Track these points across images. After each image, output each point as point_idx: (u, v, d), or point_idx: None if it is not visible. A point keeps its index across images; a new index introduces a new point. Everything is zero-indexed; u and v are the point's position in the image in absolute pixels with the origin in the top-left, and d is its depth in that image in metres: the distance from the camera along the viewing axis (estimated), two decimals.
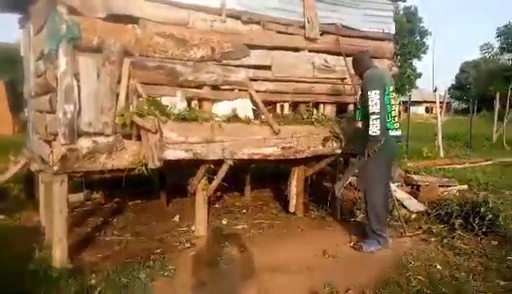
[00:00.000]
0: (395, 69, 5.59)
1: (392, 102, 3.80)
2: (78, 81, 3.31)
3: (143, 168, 3.52)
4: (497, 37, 18.73)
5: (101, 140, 3.39)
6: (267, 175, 6.68)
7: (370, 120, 3.61)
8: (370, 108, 3.61)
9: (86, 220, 4.79)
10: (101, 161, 3.42)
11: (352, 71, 4.40)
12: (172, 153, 3.46)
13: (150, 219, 4.92)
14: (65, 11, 3.25)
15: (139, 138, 3.57)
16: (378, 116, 3.59)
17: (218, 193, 5.88)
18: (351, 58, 4.36)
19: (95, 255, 3.67)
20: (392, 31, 5.49)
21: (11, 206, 5.08)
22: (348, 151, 4.63)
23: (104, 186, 5.64)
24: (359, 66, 4.04)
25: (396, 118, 3.85)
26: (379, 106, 3.60)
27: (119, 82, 3.46)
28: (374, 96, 3.61)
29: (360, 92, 4.03)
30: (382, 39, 5.38)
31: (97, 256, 3.65)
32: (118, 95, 3.46)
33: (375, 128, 3.59)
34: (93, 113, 3.37)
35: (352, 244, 3.98)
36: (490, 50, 19.44)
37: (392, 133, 3.78)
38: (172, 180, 5.51)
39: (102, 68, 3.38)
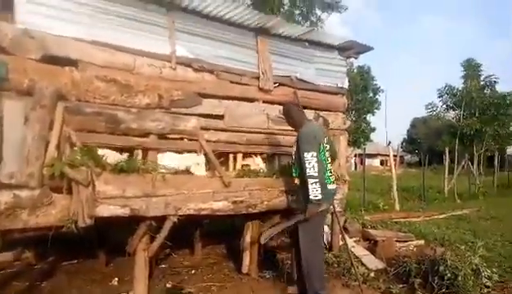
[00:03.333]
0: (348, 123, 5.60)
1: (327, 155, 3.70)
2: (1, 126, 2.93)
3: (73, 226, 3.10)
4: (439, 97, 20.27)
5: (24, 193, 2.95)
6: (221, 230, 6.28)
7: (309, 184, 3.40)
8: (308, 171, 3.38)
9: (8, 284, 4.16)
10: (22, 218, 2.96)
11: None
12: (106, 210, 3.07)
13: (86, 282, 4.34)
14: None
15: (71, 191, 3.16)
16: (317, 180, 3.39)
17: (167, 251, 5.41)
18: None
19: None
20: (345, 85, 5.55)
21: None
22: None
23: (38, 244, 5.00)
24: (290, 118, 3.87)
25: (331, 171, 3.77)
26: (316, 169, 3.39)
27: (50, 128, 3.11)
28: (310, 159, 3.40)
29: (295, 148, 3.76)
30: (335, 93, 5.41)
31: None
32: (48, 144, 3.09)
33: (316, 193, 3.39)
34: (17, 162, 2.97)
35: None
36: (434, 108, 20.84)
37: (329, 187, 3.66)
38: (114, 236, 5.00)
39: (31, 112, 3.02)
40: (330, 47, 5.31)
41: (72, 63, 3.33)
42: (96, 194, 3.01)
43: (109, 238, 4.95)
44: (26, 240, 5.15)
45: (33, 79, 3.05)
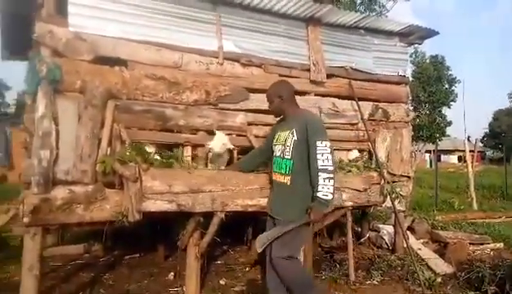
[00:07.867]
0: (412, 114, 5.18)
1: None
2: (57, 125, 3.10)
3: (125, 221, 3.19)
4: None
5: (79, 189, 3.10)
6: None
7: (320, 178, 2.76)
8: (320, 162, 2.76)
9: (76, 275, 4.43)
10: (78, 212, 3.10)
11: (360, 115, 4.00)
12: (153, 205, 3.11)
13: (144, 275, 4.49)
14: (47, 53, 3.12)
15: (123, 187, 3.26)
16: (331, 175, 2.77)
17: (225, 248, 5.44)
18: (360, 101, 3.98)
19: None
20: (408, 74, 5.15)
21: (7, 256, 4.80)
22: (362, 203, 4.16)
23: (109, 236, 5.28)
24: (279, 99, 3.16)
25: None
26: (331, 162, 2.80)
27: (101, 126, 3.24)
28: (324, 149, 2.79)
29: (294, 137, 2.94)
30: (397, 83, 5.03)
31: None
32: (100, 141, 3.22)
33: (326, 190, 2.75)
34: (72, 159, 3.12)
35: None
36: None
37: None
38: (177, 231, 5.12)
39: (84, 112, 3.17)
40: (389, 34, 4.95)
41: (122, 63, 3.44)
42: (143, 190, 3.07)
43: (172, 232, 5.08)
44: (98, 233, 5.50)
45: (85, 80, 3.20)
